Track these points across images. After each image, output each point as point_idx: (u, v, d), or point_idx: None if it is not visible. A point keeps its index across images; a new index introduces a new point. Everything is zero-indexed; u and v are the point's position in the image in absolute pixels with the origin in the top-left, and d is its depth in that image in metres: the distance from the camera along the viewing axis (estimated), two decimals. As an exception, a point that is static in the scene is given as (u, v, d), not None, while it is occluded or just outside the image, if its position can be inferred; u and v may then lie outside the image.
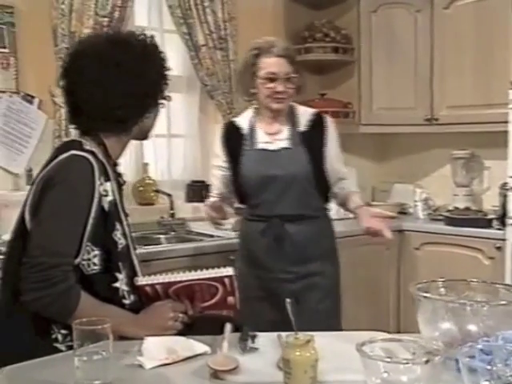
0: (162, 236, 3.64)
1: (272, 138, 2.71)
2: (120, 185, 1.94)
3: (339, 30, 4.33)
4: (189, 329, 1.81)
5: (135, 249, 1.96)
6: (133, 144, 3.61)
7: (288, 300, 1.52)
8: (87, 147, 1.77)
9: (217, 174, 2.84)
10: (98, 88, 1.78)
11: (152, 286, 1.80)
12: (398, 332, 3.83)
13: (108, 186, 1.78)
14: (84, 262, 1.72)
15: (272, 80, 2.61)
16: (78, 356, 1.34)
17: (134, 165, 3.85)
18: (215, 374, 1.46)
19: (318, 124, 2.75)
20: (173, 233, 3.71)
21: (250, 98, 2.78)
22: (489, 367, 1.28)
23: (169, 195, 3.73)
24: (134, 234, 3.33)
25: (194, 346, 1.61)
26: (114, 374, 1.43)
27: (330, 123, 2.79)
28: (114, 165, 1.89)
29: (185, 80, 4.05)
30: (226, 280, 1.79)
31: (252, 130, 2.74)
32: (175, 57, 3.98)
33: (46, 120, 3.39)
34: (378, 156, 4.94)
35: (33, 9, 3.36)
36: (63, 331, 1.68)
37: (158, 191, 3.73)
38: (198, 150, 4.12)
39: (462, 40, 4.07)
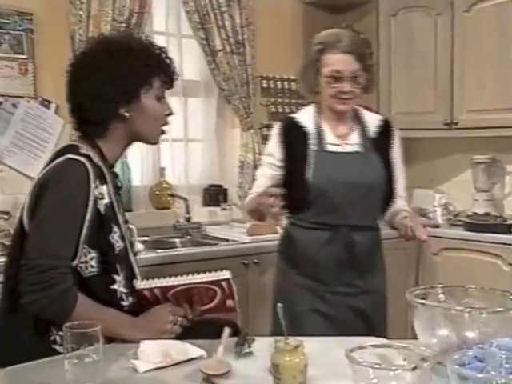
0: (177, 240, 3.66)
1: (341, 140, 2.48)
2: (118, 188, 1.95)
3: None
4: (188, 332, 1.81)
5: (135, 253, 1.98)
6: (150, 148, 3.69)
7: (279, 305, 1.51)
8: (83, 151, 1.79)
9: (266, 172, 2.52)
10: (73, 91, 1.85)
11: (150, 289, 1.81)
12: (415, 338, 3.80)
13: (104, 188, 1.80)
14: (82, 265, 1.74)
15: (337, 79, 2.38)
16: (68, 359, 1.35)
17: (151, 169, 3.88)
18: (207, 379, 1.47)
19: (386, 131, 2.55)
20: (189, 237, 3.72)
21: (313, 97, 2.55)
22: (479, 375, 1.27)
23: (184, 199, 3.75)
24: (149, 238, 3.45)
25: (190, 350, 1.62)
26: (107, 377, 1.45)
27: (397, 132, 2.59)
28: (111, 167, 1.90)
29: (202, 85, 4.07)
30: (224, 283, 1.80)
31: (319, 129, 2.48)
32: (193, 62, 4.01)
33: (63, 125, 3.43)
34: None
35: (51, 15, 3.41)
36: (61, 333, 1.69)
37: (173, 195, 3.76)
38: (215, 154, 4.14)
39: (483, 43, 4.04)
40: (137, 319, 1.78)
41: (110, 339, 1.73)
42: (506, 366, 1.34)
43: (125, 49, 1.84)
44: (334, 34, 2.42)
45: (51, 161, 1.80)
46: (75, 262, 1.72)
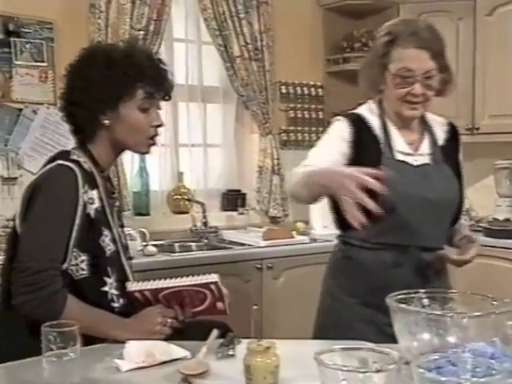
0: (193, 244, 3.70)
1: (412, 149, 2.14)
2: (112, 192, 2.00)
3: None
4: (180, 334, 1.85)
5: (130, 257, 2.03)
6: (168, 154, 3.75)
7: (254, 307, 1.54)
8: (74, 157, 1.85)
9: (334, 146, 2.10)
10: (62, 99, 1.94)
11: (141, 291, 1.86)
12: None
13: (94, 193, 1.85)
14: (72, 268, 1.79)
15: (407, 79, 2.02)
16: (46, 357, 1.40)
17: (170, 174, 3.94)
18: (185, 379, 1.50)
19: (453, 137, 2.25)
20: (205, 241, 3.77)
21: (376, 95, 2.18)
22: (442, 378, 1.28)
23: (201, 204, 3.80)
24: (165, 242, 3.50)
25: (174, 350, 1.65)
26: (89, 376, 1.50)
27: (460, 137, 2.30)
28: (102, 171, 1.94)
29: (221, 90, 4.12)
30: (213, 286, 1.84)
31: (387, 133, 2.14)
32: (213, 68, 4.07)
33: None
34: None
35: (71, 24, 3.50)
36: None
37: (189, 200, 3.81)
38: (234, 159, 4.19)
39: (505, 47, 4.01)
40: (127, 320, 1.83)
41: (102, 340, 1.79)
42: (478, 370, 1.35)
43: (105, 58, 1.88)
44: (408, 24, 2.05)
45: (44, 166, 1.87)
46: (65, 265, 1.77)
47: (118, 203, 2.07)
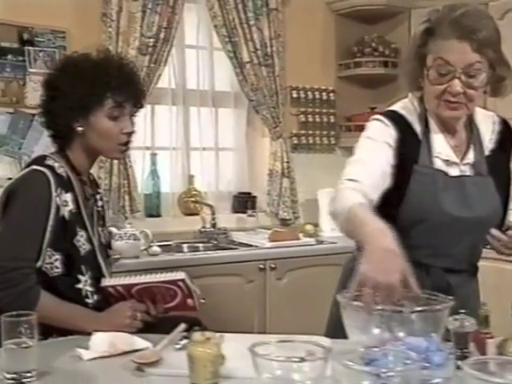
0: (200, 244, 3.80)
1: (455, 156, 1.92)
2: (92, 195, 2.11)
3: (389, 45, 4.37)
4: (153, 327, 1.96)
5: (109, 255, 2.15)
6: (179, 157, 3.87)
7: (202, 300, 1.63)
8: (48, 162, 1.97)
9: (381, 156, 1.85)
10: (40, 108, 2.06)
11: (114, 287, 1.97)
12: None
13: (68, 196, 1.96)
14: (47, 266, 1.92)
15: (444, 74, 1.78)
16: (4, 345, 1.52)
17: (181, 177, 4.06)
18: (138, 367, 1.60)
19: (505, 140, 1.97)
20: (215, 242, 3.87)
21: (418, 92, 1.94)
22: (366, 368, 1.35)
23: (210, 206, 3.90)
24: (172, 242, 3.61)
25: (136, 341, 1.76)
26: (51, 363, 1.62)
27: None
28: (78, 175, 2.05)
29: (232, 95, 4.22)
30: (181, 283, 1.94)
31: (427, 136, 1.91)
32: (224, 73, 4.18)
33: (93, 135, 3.65)
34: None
35: (83, 32, 3.64)
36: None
37: (197, 202, 3.92)
38: (245, 162, 4.29)
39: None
40: (99, 314, 1.94)
41: (78, 333, 1.90)
42: (407, 362, 1.41)
43: (74, 68, 2.00)
44: (452, 10, 1.78)
45: (22, 170, 2.00)
46: (39, 263, 1.90)
47: (100, 203, 2.18)
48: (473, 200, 1.89)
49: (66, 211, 1.95)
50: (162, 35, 3.76)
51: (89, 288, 1.99)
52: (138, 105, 2.08)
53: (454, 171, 1.90)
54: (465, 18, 1.75)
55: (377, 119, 1.94)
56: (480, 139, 1.95)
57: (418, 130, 1.91)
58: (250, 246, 3.73)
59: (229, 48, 3.99)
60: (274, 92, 4.12)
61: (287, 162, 4.17)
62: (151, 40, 3.73)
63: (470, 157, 1.93)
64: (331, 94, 4.44)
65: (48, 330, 1.88)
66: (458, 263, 1.96)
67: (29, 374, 1.52)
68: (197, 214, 4.00)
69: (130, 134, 2.06)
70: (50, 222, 1.90)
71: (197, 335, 1.52)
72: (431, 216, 1.85)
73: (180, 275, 1.94)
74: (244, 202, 4.16)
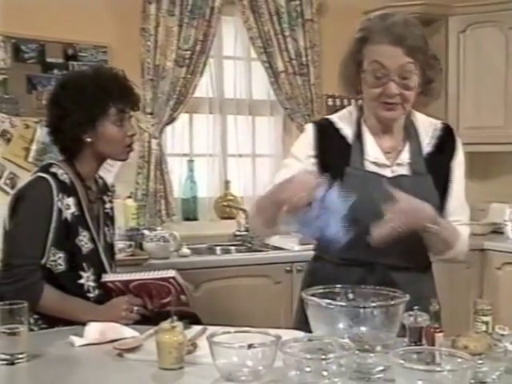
0: (233, 247, 3.97)
1: (387, 158, 2.03)
2: (98, 198, 2.30)
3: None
4: (149, 321, 2.13)
5: (114, 252, 2.37)
6: (216, 163, 4.05)
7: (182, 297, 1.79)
8: (52, 170, 2.17)
9: (284, 175, 1.90)
10: (48, 127, 2.27)
11: (113, 282, 2.16)
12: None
13: (70, 200, 2.15)
14: (51, 263, 2.12)
15: (381, 77, 1.90)
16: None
17: (217, 182, 4.24)
18: (119, 353, 1.78)
19: (446, 142, 2.08)
20: (249, 245, 4.03)
21: (357, 96, 2.09)
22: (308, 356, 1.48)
23: (244, 210, 4.06)
24: (206, 244, 3.80)
25: (124, 331, 1.93)
26: (44, 349, 1.81)
27: (460, 142, 2.11)
28: (83, 181, 2.24)
29: (269, 103, 4.38)
30: (172, 281, 2.11)
31: (359, 140, 2.03)
32: (261, 83, 4.34)
33: (132, 142, 3.88)
34: (474, 174, 4.90)
35: (123, 47, 3.88)
36: (35, 316, 2.10)
37: (230, 206, 4.09)
38: (282, 168, 4.42)
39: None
40: (98, 307, 2.14)
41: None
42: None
43: (76, 86, 2.18)
44: (382, 19, 1.93)
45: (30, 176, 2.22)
46: (43, 261, 2.10)
47: (109, 205, 2.38)
48: None
49: (68, 214, 2.14)
50: (198, 47, 3.96)
51: (91, 283, 2.18)
52: (135, 108, 2.26)
53: (386, 172, 2.01)
54: (396, 26, 1.90)
55: (306, 127, 2.16)
56: (418, 141, 2.06)
57: (349, 134, 2.05)
58: (281, 249, 3.87)
59: (264, 58, 4.15)
60: (308, 100, 4.25)
61: (321, 168, 4.28)
62: (188, 52, 3.93)
63: (405, 157, 2.03)
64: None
65: (54, 321, 2.09)
66: (401, 260, 2.01)
67: (20, 356, 1.72)
68: (233, 218, 4.17)
69: (133, 135, 2.26)
70: (53, 224, 2.10)
71: (164, 324, 1.68)
72: (365, 215, 1.87)
73: (170, 273, 2.11)
74: (280, 207, 4.28)
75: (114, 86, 2.20)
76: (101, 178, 2.40)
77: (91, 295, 2.18)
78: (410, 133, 2.07)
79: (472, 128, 4.34)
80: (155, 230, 3.53)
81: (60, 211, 2.12)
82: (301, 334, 1.80)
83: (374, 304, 1.67)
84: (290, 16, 4.18)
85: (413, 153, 2.04)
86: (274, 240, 4.05)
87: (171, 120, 3.95)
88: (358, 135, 2.04)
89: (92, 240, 2.20)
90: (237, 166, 4.31)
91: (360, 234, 1.85)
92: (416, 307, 1.71)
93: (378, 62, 1.90)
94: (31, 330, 2.07)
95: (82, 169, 2.23)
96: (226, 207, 4.16)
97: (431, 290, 2.12)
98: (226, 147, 4.29)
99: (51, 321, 2.09)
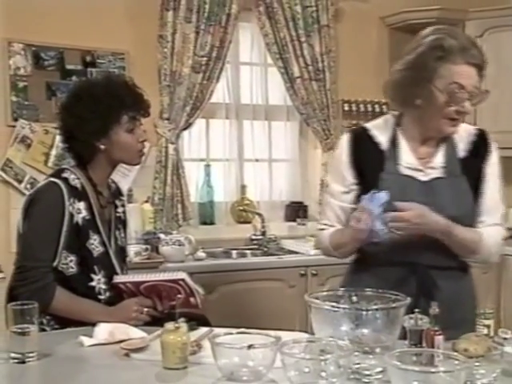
0: (249, 251, 4.02)
1: (422, 162, 2.11)
2: (110, 202, 2.35)
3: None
4: (160, 322, 2.17)
5: (125, 255, 2.43)
6: (232, 168, 4.10)
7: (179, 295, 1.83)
8: (64, 175, 2.22)
9: (331, 203, 2.19)
10: (61, 136, 2.33)
11: (124, 283, 2.21)
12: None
13: (81, 205, 2.20)
14: (64, 266, 2.17)
15: (457, 96, 1.96)
16: (10, 330, 1.78)
17: (234, 186, 4.29)
18: (126, 353, 1.82)
19: (481, 146, 2.13)
20: (265, 249, 4.07)
21: (405, 110, 2.13)
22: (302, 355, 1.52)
23: (259, 214, 4.11)
24: (222, 248, 3.85)
25: (132, 331, 1.98)
26: (55, 347, 1.87)
27: (495, 147, 2.17)
28: (94, 186, 2.29)
29: (285, 108, 4.42)
30: (181, 283, 2.15)
31: (394, 147, 2.11)
32: (277, 88, 4.38)
33: (149, 147, 3.93)
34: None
35: (141, 53, 3.95)
36: (48, 317, 2.17)
37: (245, 211, 4.13)
38: (298, 173, 4.47)
39: None
40: (109, 308, 2.19)
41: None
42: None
43: (89, 96, 2.23)
44: (458, 40, 1.98)
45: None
46: (55, 263, 2.15)
47: (121, 210, 2.43)
48: (445, 200, 2.04)
49: (79, 218, 2.20)
50: (214, 54, 4.01)
51: (102, 286, 2.23)
52: (145, 114, 2.31)
53: (420, 176, 2.08)
54: (469, 46, 1.98)
55: (342, 136, 2.25)
56: (453, 145, 2.12)
57: (383, 140, 2.13)
58: (297, 253, 3.90)
59: (280, 64, 4.19)
60: (324, 105, 4.28)
61: (338, 173, 4.31)
62: (204, 59, 3.98)
63: (439, 161, 2.10)
64: (384, 107, 4.55)
65: (66, 322, 2.14)
66: (441, 261, 2.07)
67: (31, 355, 1.78)
68: (249, 222, 4.22)
69: (144, 141, 2.32)
70: (64, 228, 2.15)
71: (169, 325, 1.73)
72: None
73: (181, 275, 2.15)
74: (296, 211, 4.33)
75: (125, 94, 2.25)
76: (114, 182, 2.46)
77: (102, 297, 2.23)
78: (445, 138, 2.12)
79: (490, 133, 4.31)
80: (171, 234, 3.58)
81: (71, 215, 2.17)
82: (304, 335, 1.82)
83: (375, 307, 1.70)
84: (306, 22, 4.21)
85: (447, 156, 2.11)
86: (290, 244, 4.10)
87: (188, 125, 4.00)
88: (393, 142, 2.12)
89: (103, 243, 2.25)
90: (253, 171, 4.36)
91: (397, 237, 1.97)
92: (417, 310, 1.74)
93: (458, 83, 1.96)
94: (44, 330, 2.15)
95: (95, 174, 2.28)
96: (242, 211, 4.21)
97: (471, 291, 2.18)
98: (243, 152, 4.34)
99: (63, 321, 2.15)
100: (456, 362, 1.44)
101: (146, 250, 3.50)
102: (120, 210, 2.43)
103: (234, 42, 4.13)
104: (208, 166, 4.17)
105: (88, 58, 3.86)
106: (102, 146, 2.24)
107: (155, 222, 3.87)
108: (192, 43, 3.96)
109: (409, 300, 1.70)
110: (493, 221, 2.12)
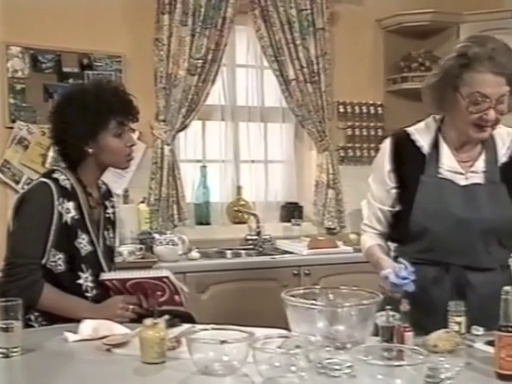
0: (243, 251, 4.06)
1: (463, 167, 2.12)
2: (99, 203, 2.40)
3: (436, 60, 4.47)
4: (145, 319, 2.22)
5: (113, 255, 2.49)
6: (228, 169, 4.16)
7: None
8: (55, 175, 2.27)
9: (372, 204, 2.28)
10: (51, 139, 2.38)
11: (110, 281, 2.26)
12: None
13: (70, 205, 2.26)
14: (52, 263, 2.23)
15: (480, 103, 1.96)
16: (-3, 325, 1.84)
17: (230, 187, 4.35)
18: (108, 348, 1.88)
19: None
20: (260, 249, 4.12)
21: (440, 112, 2.16)
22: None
23: (254, 215, 4.16)
24: (216, 248, 3.91)
25: (116, 328, 2.03)
26: (40, 343, 1.93)
27: None
28: (84, 187, 2.34)
29: (281, 110, 4.47)
30: (166, 280, 2.20)
31: (435, 150, 2.13)
32: (273, 90, 4.44)
33: (145, 149, 4.00)
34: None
35: (137, 56, 4.01)
36: (36, 313, 2.22)
37: (240, 211, 4.18)
38: (293, 174, 4.53)
39: None
40: (95, 305, 2.24)
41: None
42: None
43: (79, 101, 2.29)
44: (484, 45, 1.96)
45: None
46: (44, 261, 2.21)
47: (111, 210, 2.48)
48: (482, 204, 2.06)
49: (68, 217, 2.25)
50: (209, 56, 4.06)
51: (89, 284, 2.29)
52: (134, 119, 2.36)
53: (460, 180, 2.10)
54: (497, 54, 1.93)
55: (385, 140, 2.27)
56: (495, 150, 2.13)
57: (424, 144, 2.15)
58: (291, 253, 3.95)
59: (275, 67, 4.25)
60: (319, 107, 4.33)
61: (333, 174, 4.36)
62: (200, 61, 4.04)
63: (480, 165, 2.11)
64: (379, 108, 4.60)
65: (54, 318, 2.20)
66: (476, 261, 2.09)
67: (15, 350, 1.84)
68: (244, 223, 4.27)
69: (132, 145, 2.36)
70: (53, 226, 2.21)
71: (147, 321, 1.78)
72: (441, 220, 2.06)
73: (165, 273, 2.21)
74: (291, 212, 4.38)
75: (114, 99, 2.30)
76: (104, 184, 2.51)
77: (89, 295, 2.28)
78: (488, 143, 2.13)
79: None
80: (165, 234, 3.63)
81: (60, 214, 2.23)
82: (277, 331, 1.87)
83: (348, 304, 1.75)
84: (301, 25, 4.26)
85: (488, 162, 2.12)
86: (285, 244, 4.15)
87: (183, 127, 4.06)
88: (435, 146, 2.14)
89: (91, 243, 2.31)
90: (249, 172, 4.42)
91: (436, 238, 2.07)
92: (388, 307, 1.79)
93: (480, 92, 1.95)
94: (32, 326, 2.20)
95: (84, 176, 2.34)
96: (237, 212, 4.26)
97: None
98: (239, 153, 4.40)
99: (51, 318, 2.20)
100: (420, 357, 1.48)
101: (141, 249, 3.56)
102: (110, 210, 2.48)
103: (229, 44, 4.19)
104: (204, 167, 4.22)
105: (85, 61, 3.93)
106: (91, 150, 2.29)
107: (151, 223, 3.92)
108: (188, 46, 4.02)
109: (381, 297, 1.76)
110: None
